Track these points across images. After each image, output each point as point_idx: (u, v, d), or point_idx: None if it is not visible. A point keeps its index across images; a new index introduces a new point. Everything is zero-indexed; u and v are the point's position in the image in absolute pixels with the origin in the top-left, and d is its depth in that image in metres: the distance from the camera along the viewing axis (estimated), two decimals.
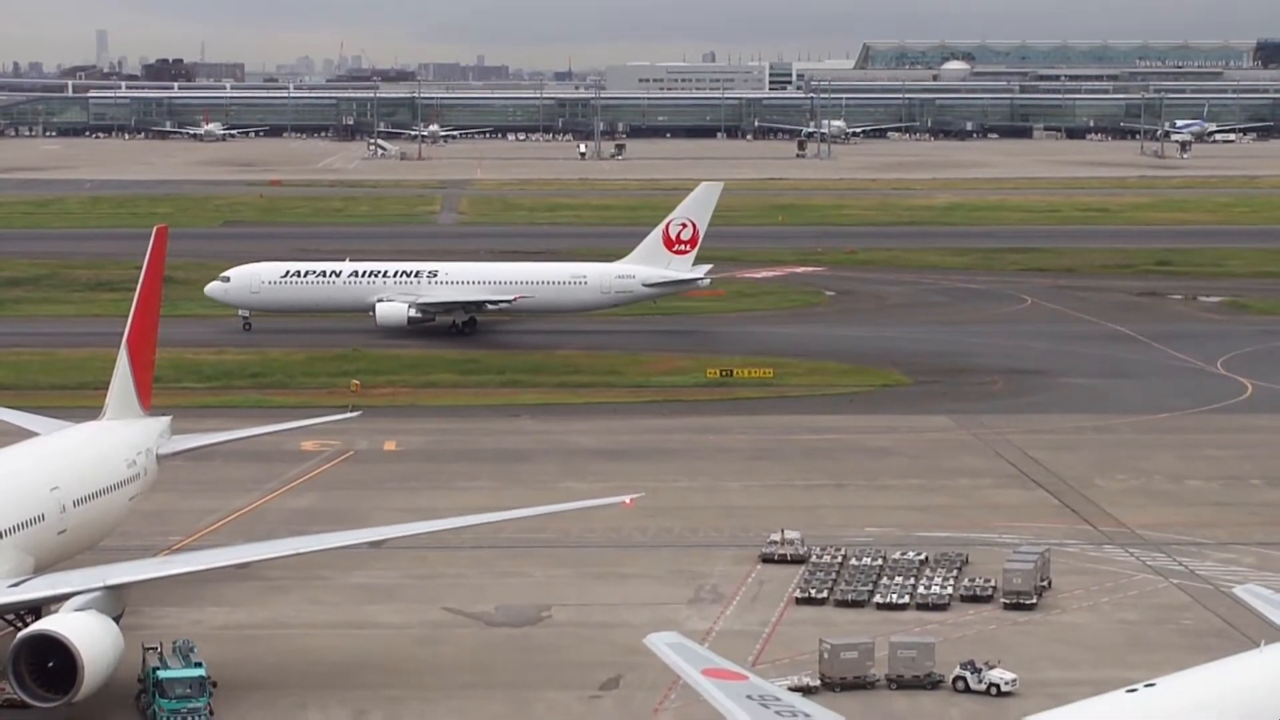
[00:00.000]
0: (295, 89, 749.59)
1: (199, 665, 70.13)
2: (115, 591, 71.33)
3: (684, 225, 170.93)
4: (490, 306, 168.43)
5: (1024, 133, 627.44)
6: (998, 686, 72.28)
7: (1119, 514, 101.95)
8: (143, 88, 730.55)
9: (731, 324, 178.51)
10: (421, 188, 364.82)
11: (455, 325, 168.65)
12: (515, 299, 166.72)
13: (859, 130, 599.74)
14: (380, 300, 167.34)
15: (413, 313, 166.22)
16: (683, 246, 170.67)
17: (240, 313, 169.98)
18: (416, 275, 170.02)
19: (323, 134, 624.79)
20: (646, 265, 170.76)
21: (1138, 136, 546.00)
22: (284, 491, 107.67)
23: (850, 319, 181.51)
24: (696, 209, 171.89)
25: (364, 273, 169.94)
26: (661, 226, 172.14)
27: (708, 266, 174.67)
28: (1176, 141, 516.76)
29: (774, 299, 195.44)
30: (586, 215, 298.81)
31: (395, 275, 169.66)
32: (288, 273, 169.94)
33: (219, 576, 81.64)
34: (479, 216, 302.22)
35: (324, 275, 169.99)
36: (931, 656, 73.77)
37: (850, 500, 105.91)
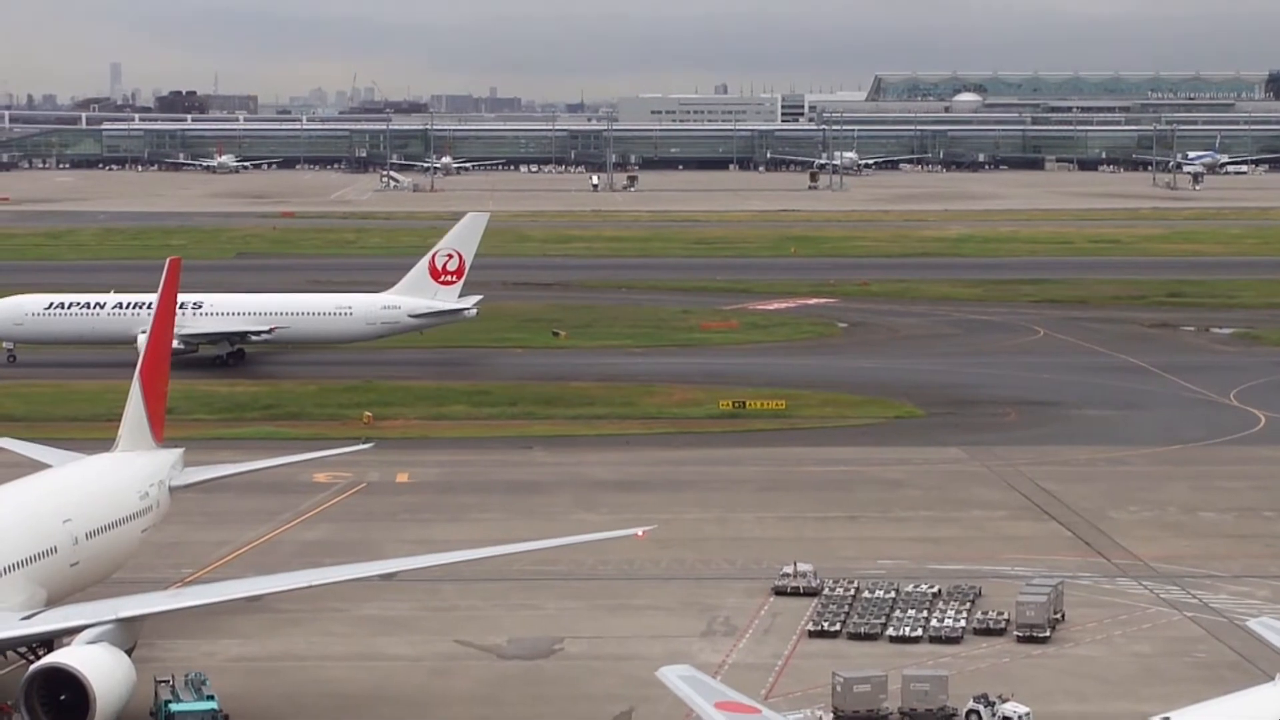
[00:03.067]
0: (308, 121, 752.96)
1: (211, 698, 70.05)
2: (127, 624, 71.19)
3: (450, 256, 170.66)
4: (253, 338, 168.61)
5: (1036, 164, 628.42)
6: None
7: (1132, 546, 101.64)
8: (156, 120, 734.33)
9: (744, 355, 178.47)
10: (434, 219, 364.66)
11: (221, 357, 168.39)
12: (271, 330, 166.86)
13: (871, 162, 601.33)
14: (143, 332, 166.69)
15: (175, 344, 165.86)
16: (449, 277, 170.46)
17: (4, 345, 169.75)
18: (181, 307, 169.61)
19: (335, 166, 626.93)
20: (412, 296, 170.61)
21: (1150, 168, 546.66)
22: (296, 523, 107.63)
23: (863, 351, 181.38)
24: (463, 239, 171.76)
25: (128, 304, 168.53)
26: (428, 257, 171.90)
27: (477, 297, 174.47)
28: (1188, 173, 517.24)
29: (786, 330, 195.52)
30: (598, 247, 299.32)
31: None
32: (51, 304, 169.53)
33: (231, 609, 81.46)
34: (491, 248, 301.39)
35: (88, 307, 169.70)
36: (945, 690, 73.48)
37: (863, 532, 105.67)
